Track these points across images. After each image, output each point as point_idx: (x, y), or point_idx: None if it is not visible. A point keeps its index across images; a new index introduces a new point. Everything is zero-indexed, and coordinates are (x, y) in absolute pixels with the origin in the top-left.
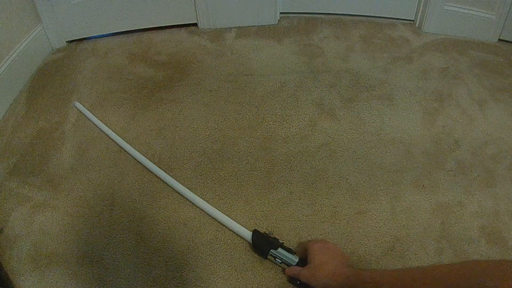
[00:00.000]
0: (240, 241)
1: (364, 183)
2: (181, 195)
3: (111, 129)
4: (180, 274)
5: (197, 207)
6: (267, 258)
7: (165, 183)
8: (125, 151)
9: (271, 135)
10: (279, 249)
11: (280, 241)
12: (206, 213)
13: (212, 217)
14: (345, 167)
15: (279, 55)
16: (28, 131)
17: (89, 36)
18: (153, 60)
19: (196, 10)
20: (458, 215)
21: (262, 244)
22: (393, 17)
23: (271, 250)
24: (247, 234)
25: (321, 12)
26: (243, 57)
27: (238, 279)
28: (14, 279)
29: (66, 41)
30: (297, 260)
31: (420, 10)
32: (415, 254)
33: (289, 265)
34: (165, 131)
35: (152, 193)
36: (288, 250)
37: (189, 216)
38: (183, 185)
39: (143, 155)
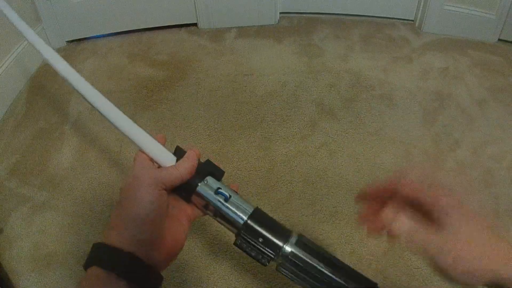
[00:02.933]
0: None
1: (364, 183)
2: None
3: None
4: (180, 274)
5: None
6: (190, 201)
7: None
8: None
9: (271, 135)
10: (211, 180)
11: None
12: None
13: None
14: (345, 167)
15: (279, 55)
16: (28, 131)
17: (89, 36)
18: (153, 60)
19: (196, 10)
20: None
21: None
22: (393, 17)
23: (198, 186)
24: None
25: (321, 12)
26: (243, 57)
27: (238, 279)
28: (14, 279)
29: (66, 41)
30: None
31: (420, 10)
32: (415, 253)
33: (230, 220)
34: (165, 131)
35: None
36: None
37: None
38: None
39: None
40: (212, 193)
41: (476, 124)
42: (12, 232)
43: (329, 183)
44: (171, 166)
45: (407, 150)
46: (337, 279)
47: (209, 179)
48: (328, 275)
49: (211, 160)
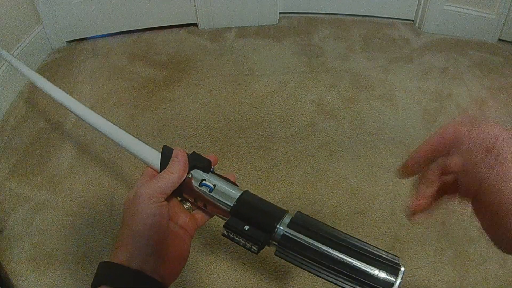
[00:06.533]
0: None
1: (364, 183)
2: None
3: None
4: (180, 274)
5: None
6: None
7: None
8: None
9: (271, 135)
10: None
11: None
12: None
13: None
14: (345, 167)
15: (279, 55)
16: (28, 131)
17: (89, 36)
18: (153, 60)
19: (196, 10)
20: (458, 215)
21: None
22: (393, 17)
23: (193, 171)
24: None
25: (321, 12)
26: (243, 57)
27: (238, 279)
28: (14, 279)
29: (66, 41)
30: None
31: (420, 10)
32: (415, 254)
33: (219, 210)
34: (165, 131)
35: None
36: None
37: None
38: None
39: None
40: (197, 185)
41: None
42: (12, 232)
43: (329, 183)
44: (165, 171)
45: (407, 150)
46: (343, 259)
47: (194, 173)
48: (331, 256)
49: (197, 152)
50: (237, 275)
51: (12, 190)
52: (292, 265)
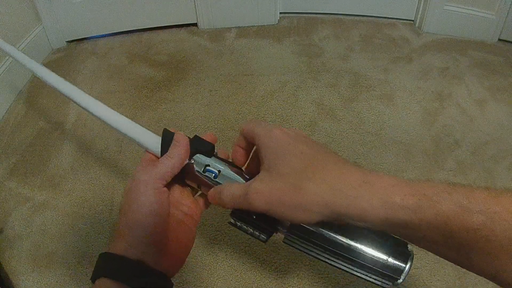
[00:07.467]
0: (240, 241)
1: None
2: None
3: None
4: (180, 274)
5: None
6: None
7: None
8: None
9: None
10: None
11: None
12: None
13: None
14: None
15: (279, 55)
16: (28, 131)
17: (89, 36)
18: (153, 60)
19: (196, 10)
20: None
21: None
22: (393, 17)
23: (195, 156)
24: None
25: (321, 12)
26: (243, 57)
27: (238, 279)
28: (14, 279)
29: (66, 41)
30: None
31: (420, 10)
32: (415, 254)
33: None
34: None
35: None
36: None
37: None
38: None
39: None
40: (201, 171)
41: (476, 124)
42: (12, 232)
43: None
44: (165, 156)
45: (407, 150)
46: (352, 246)
47: (197, 158)
48: (340, 243)
49: (199, 135)
50: (237, 275)
51: (12, 190)
52: (300, 252)
